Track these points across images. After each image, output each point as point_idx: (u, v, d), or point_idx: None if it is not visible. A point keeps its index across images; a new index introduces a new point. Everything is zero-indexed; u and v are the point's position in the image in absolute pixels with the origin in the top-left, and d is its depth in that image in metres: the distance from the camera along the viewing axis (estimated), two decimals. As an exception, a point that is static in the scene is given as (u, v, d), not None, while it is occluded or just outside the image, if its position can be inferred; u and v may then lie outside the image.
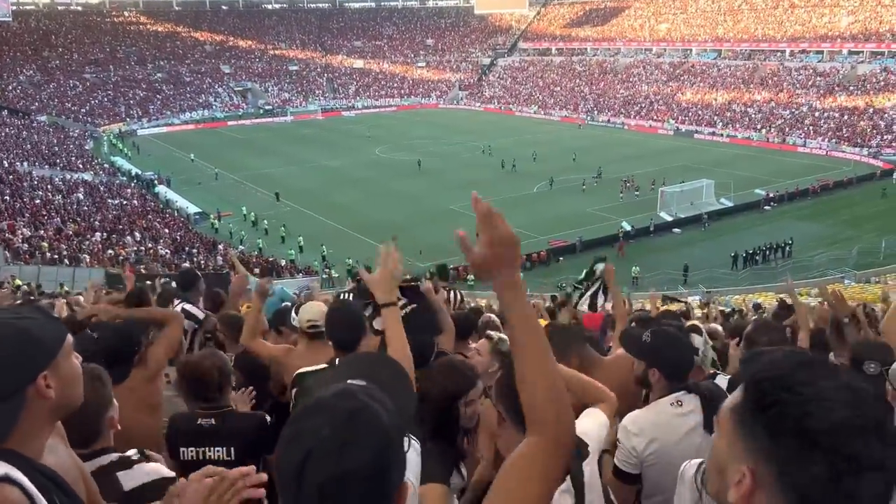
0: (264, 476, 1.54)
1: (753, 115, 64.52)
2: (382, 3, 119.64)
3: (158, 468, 2.41)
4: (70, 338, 1.65)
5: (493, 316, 6.17)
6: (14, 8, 79.69)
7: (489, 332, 4.05)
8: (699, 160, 51.02)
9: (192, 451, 3.20)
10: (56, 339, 1.59)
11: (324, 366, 3.31)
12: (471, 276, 30.07)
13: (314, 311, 3.99)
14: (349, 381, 1.28)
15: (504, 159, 50.85)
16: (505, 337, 3.91)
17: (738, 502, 1.06)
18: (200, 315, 5.56)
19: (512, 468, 1.52)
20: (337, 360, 3.23)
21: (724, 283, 28.75)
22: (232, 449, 3.20)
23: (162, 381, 3.80)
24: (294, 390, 3.50)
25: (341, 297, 3.99)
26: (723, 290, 26.80)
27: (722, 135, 62.23)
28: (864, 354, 3.27)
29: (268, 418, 3.41)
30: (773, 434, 1.02)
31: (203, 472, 1.57)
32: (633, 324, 4.85)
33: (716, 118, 66.02)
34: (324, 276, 30.70)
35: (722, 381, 3.43)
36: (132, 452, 2.43)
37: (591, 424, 2.34)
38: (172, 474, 2.40)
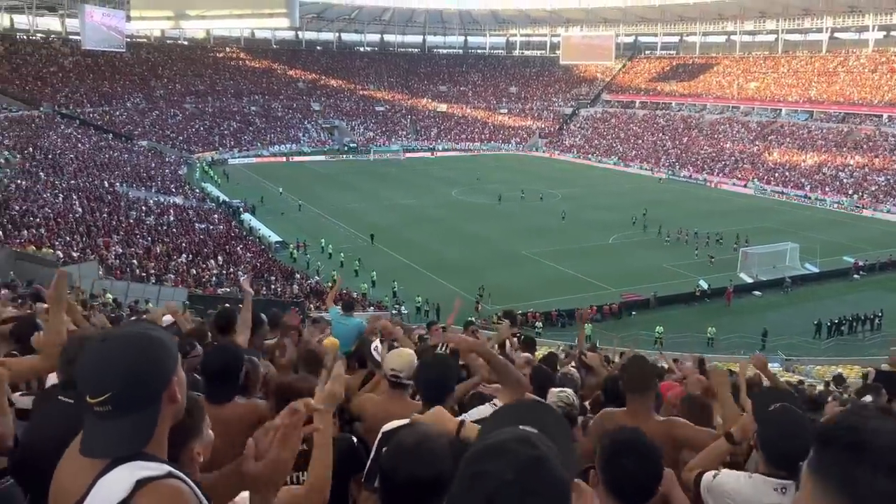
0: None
1: (845, 180, 62.09)
2: (470, 51, 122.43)
3: None
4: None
5: (572, 369, 6.17)
6: (128, 39, 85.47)
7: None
8: (784, 222, 49.38)
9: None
10: (176, 348, 1.73)
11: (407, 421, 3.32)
12: (539, 323, 29.89)
13: (399, 361, 3.92)
14: (521, 427, 1.29)
15: (567, 209, 50.73)
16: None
17: None
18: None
19: None
20: (425, 412, 3.22)
21: (805, 352, 27.47)
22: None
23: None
24: (384, 447, 3.38)
25: (437, 348, 3.95)
26: (804, 360, 25.61)
27: (810, 198, 60.13)
28: None
29: (354, 440, 3.42)
30: (832, 463, 1.10)
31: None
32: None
33: (804, 180, 63.89)
34: (393, 311, 31.10)
35: None
36: None
37: None
38: None
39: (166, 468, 1.58)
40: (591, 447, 3.99)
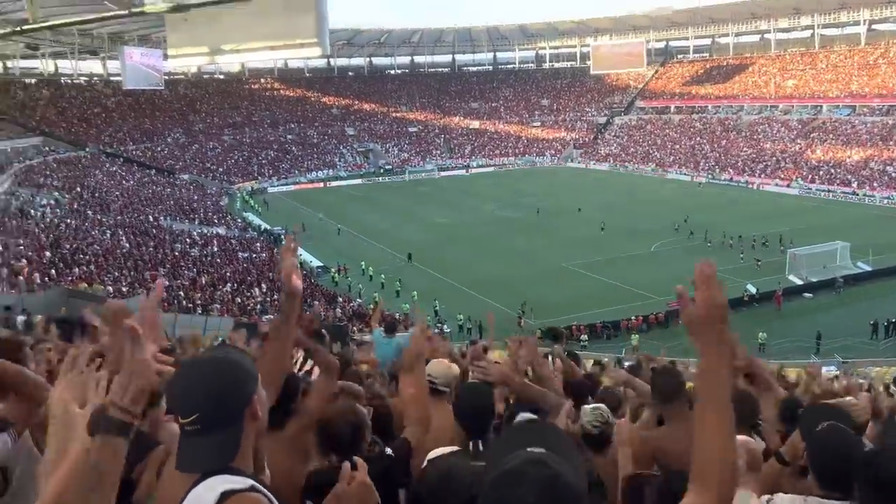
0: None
1: (894, 174, 60.22)
2: (500, 66, 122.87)
3: None
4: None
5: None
6: (166, 77, 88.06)
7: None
8: (832, 221, 48.03)
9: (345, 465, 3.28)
10: (254, 369, 1.85)
11: (456, 449, 3.27)
12: (584, 336, 29.52)
13: (437, 368, 4.01)
14: (529, 450, 1.34)
15: (606, 219, 50.20)
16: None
17: None
18: None
19: None
20: (471, 445, 3.18)
21: (863, 354, 26.53)
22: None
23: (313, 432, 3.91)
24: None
25: (471, 375, 3.89)
26: (860, 362, 24.72)
27: (858, 194, 58.44)
28: None
29: (388, 451, 3.41)
30: (859, 486, 1.06)
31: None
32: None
33: (850, 177, 62.16)
34: (436, 330, 31.03)
35: None
36: None
37: None
38: None
39: (249, 482, 1.70)
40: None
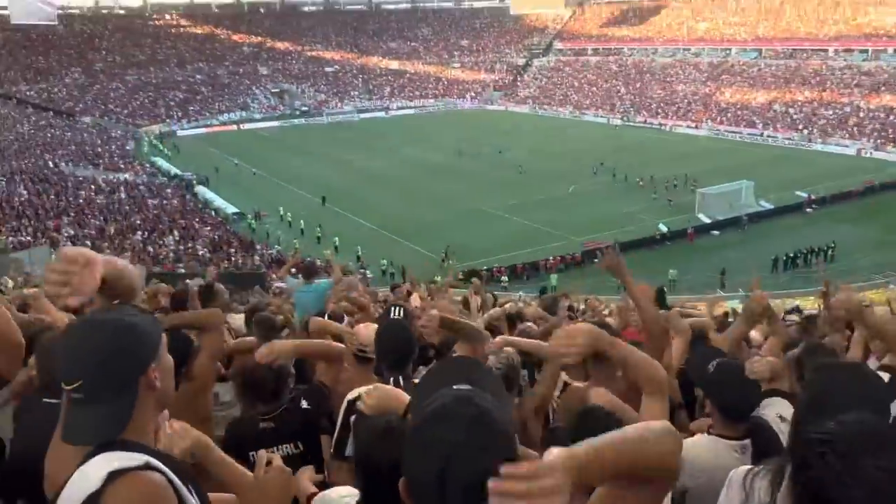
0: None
1: (795, 116, 63.17)
2: (418, 4, 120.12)
3: None
4: (164, 334, 1.76)
5: (530, 324, 6.13)
6: (59, 12, 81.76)
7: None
8: (738, 162, 50.11)
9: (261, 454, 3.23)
10: (158, 334, 1.72)
11: (371, 387, 3.21)
12: (504, 277, 30.07)
13: (368, 334, 3.93)
14: (455, 387, 1.35)
15: (524, 162, 50.76)
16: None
17: None
18: None
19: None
20: (390, 380, 3.14)
21: (763, 288, 28.11)
22: (298, 442, 3.31)
23: (211, 393, 3.78)
24: (350, 417, 3.14)
25: (391, 312, 3.87)
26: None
27: (762, 135, 61.08)
28: None
29: (304, 403, 3.47)
30: (798, 497, 1.05)
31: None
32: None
33: (756, 119, 64.82)
34: (359, 275, 30.88)
35: (773, 407, 3.25)
36: None
37: None
38: None
39: (144, 458, 1.55)
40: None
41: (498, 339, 4.01)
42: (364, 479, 1.89)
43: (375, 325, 4.16)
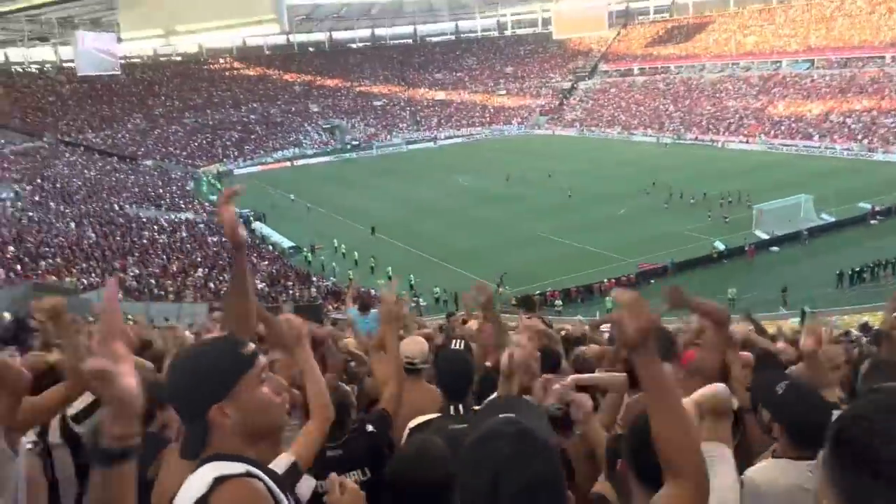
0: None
1: (853, 126, 61.28)
2: (462, 35, 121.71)
3: None
4: (259, 365, 1.81)
5: (584, 349, 6.12)
6: (122, 61, 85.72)
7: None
8: (795, 175, 48.83)
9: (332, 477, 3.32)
10: (233, 372, 1.76)
11: (436, 415, 3.28)
12: (558, 301, 29.87)
13: (413, 348, 3.97)
14: (502, 416, 1.49)
15: (574, 184, 50.44)
16: None
17: None
18: None
19: None
20: (451, 408, 3.21)
21: (829, 303, 27.20)
22: (366, 468, 3.29)
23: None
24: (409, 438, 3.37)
25: (452, 343, 3.93)
26: (826, 311, 25.36)
27: (819, 147, 59.42)
28: None
29: (370, 428, 3.44)
30: (843, 466, 1.04)
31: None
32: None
33: (812, 130, 63.13)
34: (412, 304, 31.11)
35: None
36: None
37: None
38: None
39: (245, 468, 1.71)
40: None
41: (569, 379, 3.93)
42: (393, 499, 2.00)
43: (420, 338, 4.25)
